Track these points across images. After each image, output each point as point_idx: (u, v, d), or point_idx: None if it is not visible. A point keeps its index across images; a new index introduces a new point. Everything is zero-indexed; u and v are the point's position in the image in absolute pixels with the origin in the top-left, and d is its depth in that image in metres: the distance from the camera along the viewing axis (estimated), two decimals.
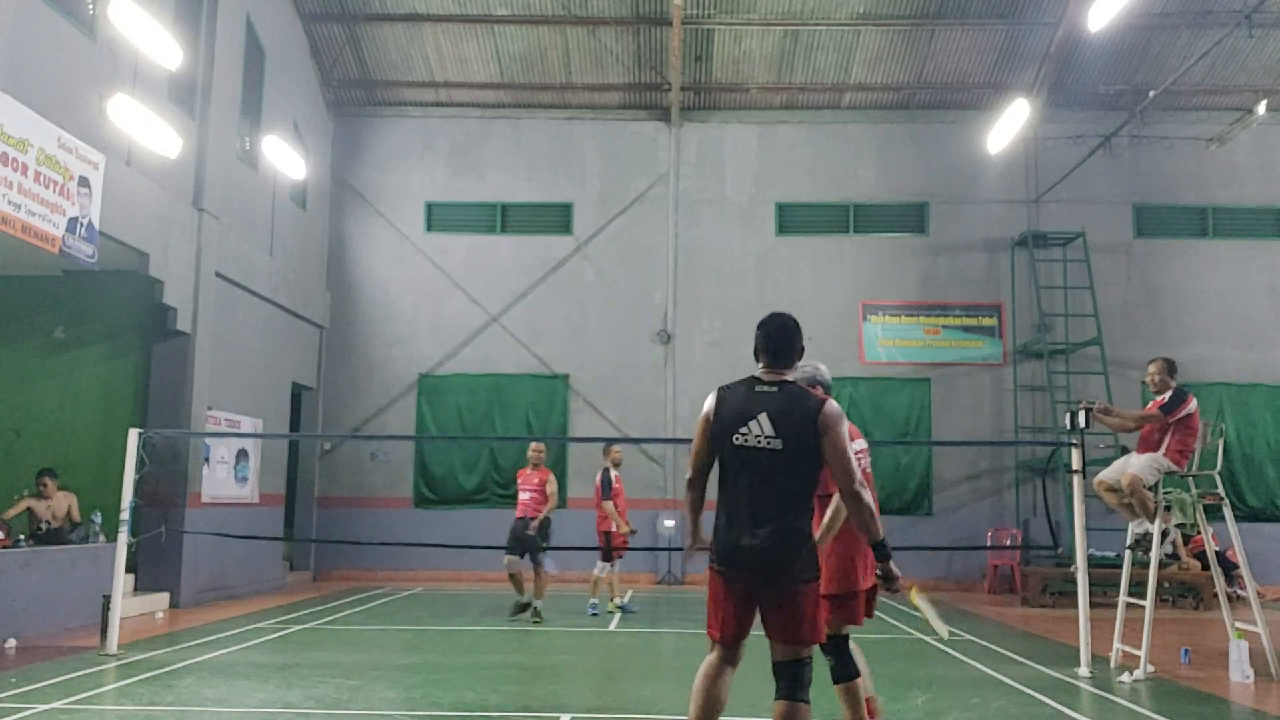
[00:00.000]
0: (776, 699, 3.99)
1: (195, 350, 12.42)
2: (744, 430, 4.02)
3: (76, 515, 11.04)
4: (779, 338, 4.21)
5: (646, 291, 17.37)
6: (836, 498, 4.51)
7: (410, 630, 10.57)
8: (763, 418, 4.02)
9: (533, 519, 10.74)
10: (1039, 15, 16.41)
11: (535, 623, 10.57)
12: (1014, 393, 16.96)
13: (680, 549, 8.56)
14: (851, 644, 4.87)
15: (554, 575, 11.64)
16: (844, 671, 4.78)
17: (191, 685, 7.00)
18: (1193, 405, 7.85)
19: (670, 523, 16.23)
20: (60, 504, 11.05)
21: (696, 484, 4.24)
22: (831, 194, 17.61)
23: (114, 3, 9.96)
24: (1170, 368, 8.09)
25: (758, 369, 4.22)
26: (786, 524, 3.98)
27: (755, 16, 16.48)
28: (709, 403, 4.17)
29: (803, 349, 4.29)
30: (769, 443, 3.99)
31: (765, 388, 4.11)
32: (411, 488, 17.00)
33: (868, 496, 4.10)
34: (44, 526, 10.79)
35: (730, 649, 4.07)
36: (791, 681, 3.97)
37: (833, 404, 4.11)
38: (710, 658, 4.07)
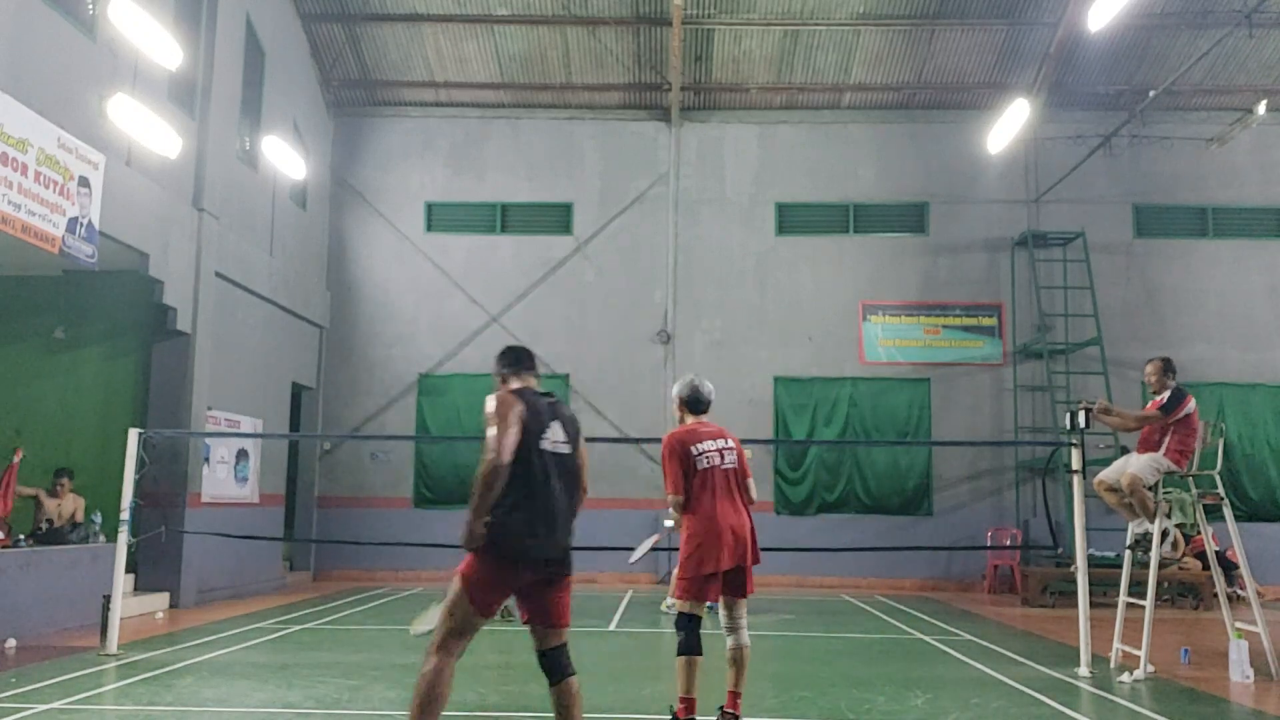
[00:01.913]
0: (565, 679, 4.33)
1: (195, 350, 12.42)
2: (547, 436, 4.31)
3: (80, 517, 11.05)
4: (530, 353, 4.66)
5: (646, 291, 17.37)
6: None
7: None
8: (555, 425, 4.38)
9: None
10: (1039, 15, 16.40)
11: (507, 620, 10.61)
12: (1014, 393, 16.96)
13: (664, 549, 8.53)
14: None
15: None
16: (690, 647, 5.27)
17: (191, 685, 7.00)
18: (1191, 405, 7.85)
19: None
20: (68, 506, 11.07)
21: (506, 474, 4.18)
22: (831, 194, 17.60)
23: (114, 3, 9.96)
24: (1168, 367, 8.08)
25: (518, 380, 4.53)
26: (572, 521, 4.40)
27: (755, 16, 16.48)
28: (517, 405, 4.26)
29: None
30: (564, 447, 4.38)
31: (546, 398, 4.45)
32: (411, 488, 17.00)
33: None
34: (45, 526, 10.79)
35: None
36: (568, 661, 4.37)
37: None
38: (448, 664, 4.26)
